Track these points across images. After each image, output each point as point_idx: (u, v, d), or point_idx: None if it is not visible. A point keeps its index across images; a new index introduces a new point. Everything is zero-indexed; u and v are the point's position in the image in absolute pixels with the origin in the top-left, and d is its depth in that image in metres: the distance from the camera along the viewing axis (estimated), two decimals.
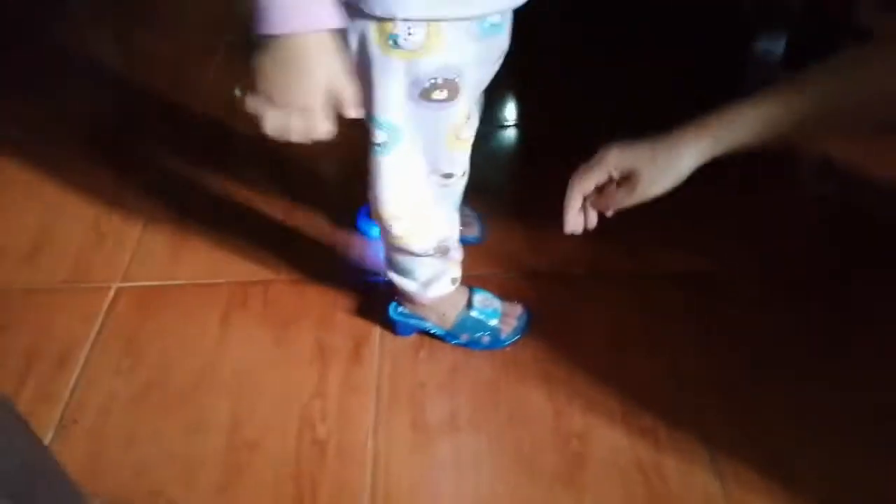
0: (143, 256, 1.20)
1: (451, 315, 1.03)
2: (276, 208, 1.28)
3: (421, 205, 0.88)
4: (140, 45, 1.77)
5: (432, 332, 1.04)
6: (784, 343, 1.04)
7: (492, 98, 0.98)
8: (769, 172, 1.29)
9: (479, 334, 1.03)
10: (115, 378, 1.03)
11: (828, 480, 0.88)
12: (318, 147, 1.37)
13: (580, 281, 1.14)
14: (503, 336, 1.04)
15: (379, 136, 0.80)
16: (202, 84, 1.60)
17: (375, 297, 1.10)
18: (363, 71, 0.74)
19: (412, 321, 1.04)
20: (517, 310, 1.07)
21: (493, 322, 1.03)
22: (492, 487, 0.90)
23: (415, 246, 0.92)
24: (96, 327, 1.09)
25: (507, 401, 0.99)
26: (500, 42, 0.81)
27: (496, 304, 1.05)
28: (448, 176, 0.87)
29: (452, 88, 0.77)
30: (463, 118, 0.82)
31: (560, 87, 1.53)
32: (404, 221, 0.89)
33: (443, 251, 0.95)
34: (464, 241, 1.02)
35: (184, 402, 1.00)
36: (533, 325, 1.06)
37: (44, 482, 0.77)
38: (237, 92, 0.70)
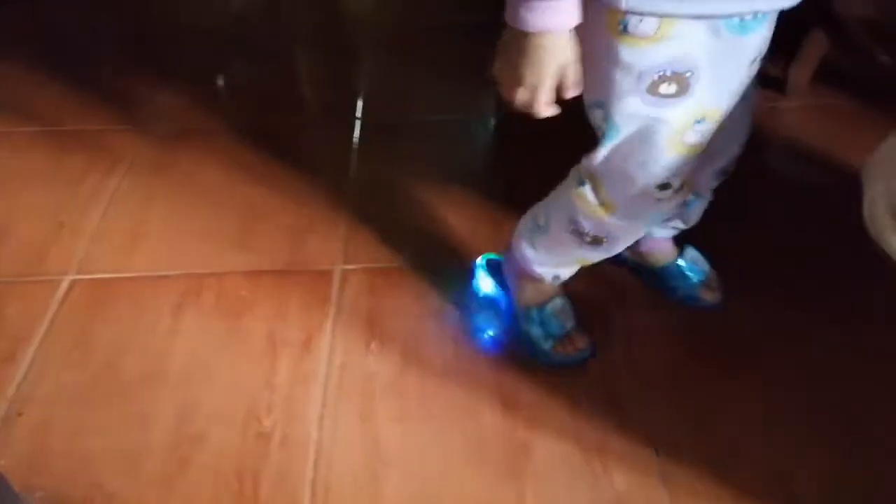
0: (99, 248, 1.19)
1: (527, 299, 1.01)
2: (234, 200, 1.27)
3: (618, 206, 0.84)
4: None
5: (500, 301, 1.04)
6: (736, 337, 1.03)
7: None
8: None
9: (531, 333, 1.01)
10: (64, 371, 1.02)
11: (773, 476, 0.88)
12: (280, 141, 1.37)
13: None
14: (552, 353, 1.00)
15: (595, 119, 0.79)
16: (170, 77, 1.60)
17: (328, 289, 1.09)
18: (591, 55, 0.72)
19: (492, 279, 1.05)
20: (582, 342, 1.01)
21: (552, 334, 1.00)
22: (436, 479, 0.89)
23: (586, 221, 0.87)
24: (48, 320, 1.08)
25: (458, 393, 0.97)
26: (754, 42, 0.76)
27: (569, 323, 1.01)
28: (664, 187, 0.82)
29: (682, 84, 0.74)
30: (690, 119, 0.77)
31: None
32: (596, 194, 0.85)
33: (595, 241, 0.89)
34: (700, 305, 1.06)
35: (132, 395, 0.99)
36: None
37: None
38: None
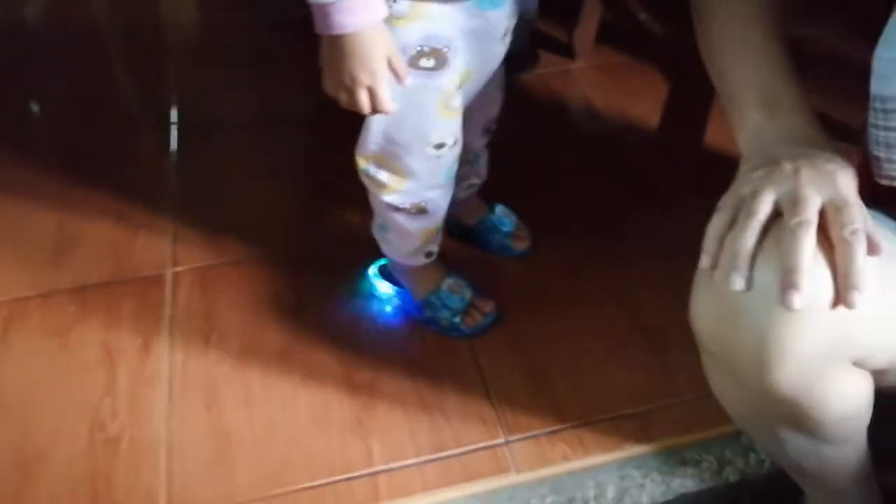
0: None
1: (421, 290, 1.05)
2: (44, 223, 1.24)
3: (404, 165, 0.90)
4: None
5: (401, 300, 1.08)
6: (546, 277, 1.15)
7: None
8: None
9: (437, 316, 1.05)
10: None
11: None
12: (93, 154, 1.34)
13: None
14: (462, 327, 1.05)
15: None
16: None
17: (160, 292, 1.11)
18: None
19: (386, 281, 1.09)
20: (487, 306, 1.07)
21: (456, 310, 1.05)
22: (286, 451, 0.94)
23: (392, 196, 0.93)
24: None
25: (300, 369, 1.02)
26: (501, 17, 0.83)
27: (467, 293, 1.06)
28: (439, 146, 0.89)
29: (440, 58, 0.80)
30: (453, 87, 0.84)
31: None
32: (383, 171, 0.91)
33: (419, 210, 0.95)
34: (512, 253, 1.14)
35: None
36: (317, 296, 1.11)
37: None
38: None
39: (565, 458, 0.93)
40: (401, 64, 0.76)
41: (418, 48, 0.79)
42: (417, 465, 0.92)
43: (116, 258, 1.18)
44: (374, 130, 0.87)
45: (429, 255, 1.04)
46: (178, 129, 1.45)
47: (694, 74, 1.10)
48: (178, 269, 1.16)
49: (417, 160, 0.90)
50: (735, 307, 0.55)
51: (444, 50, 0.81)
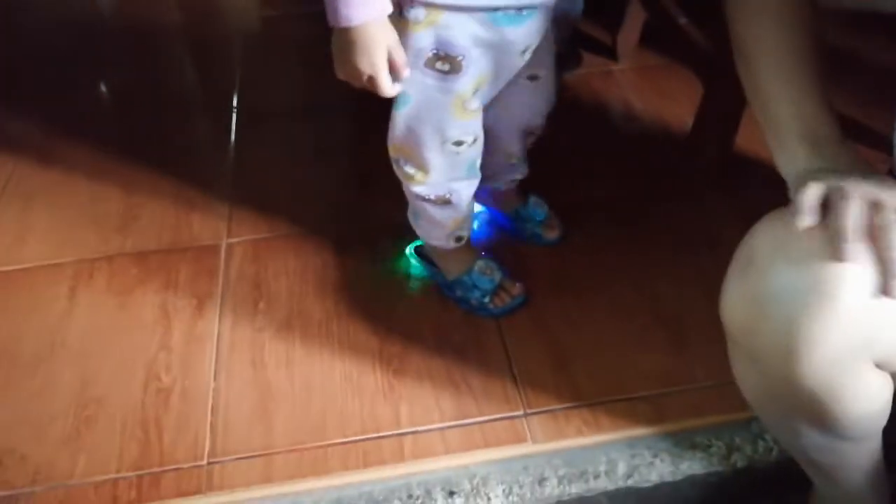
0: None
1: (453, 270, 1.13)
2: (117, 185, 1.35)
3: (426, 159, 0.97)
4: None
5: (435, 278, 1.15)
6: (573, 266, 1.20)
7: None
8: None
9: (468, 296, 1.12)
10: None
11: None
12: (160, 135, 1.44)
13: None
14: (491, 307, 1.12)
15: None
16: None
17: (215, 261, 1.20)
18: None
19: (422, 263, 1.16)
20: (516, 289, 1.13)
21: (486, 290, 1.11)
22: (321, 408, 1.01)
23: (418, 188, 1.01)
24: None
25: (338, 336, 1.10)
26: (520, 34, 0.87)
27: (497, 275, 1.12)
28: (458, 143, 0.96)
29: (454, 64, 0.86)
30: (468, 92, 0.90)
31: None
32: (409, 164, 0.99)
33: (444, 202, 1.02)
34: (543, 242, 1.21)
35: (34, 370, 1.07)
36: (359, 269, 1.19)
37: None
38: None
39: (580, 434, 0.98)
40: (400, 57, 0.82)
41: (433, 51, 0.85)
42: (441, 429, 0.99)
43: (176, 228, 1.28)
44: (398, 123, 0.94)
45: (458, 239, 1.10)
46: (237, 114, 1.55)
47: (727, 79, 1.17)
48: (232, 240, 1.25)
49: (436, 154, 0.96)
50: (768, 296, 0.58)
51: (459, 58, 0.86)
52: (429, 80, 0.88)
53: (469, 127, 0.96)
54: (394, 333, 1.10)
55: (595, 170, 1.37)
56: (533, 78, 1.02)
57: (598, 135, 1.46)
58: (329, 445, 0.97)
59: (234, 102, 1.58)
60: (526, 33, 0.89)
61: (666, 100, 1.52)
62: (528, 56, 0.93)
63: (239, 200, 1.33)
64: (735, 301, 0.62)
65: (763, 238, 0.61)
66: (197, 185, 1.36)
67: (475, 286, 1.12)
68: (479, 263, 1.13)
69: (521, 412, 1.00)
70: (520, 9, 0.85)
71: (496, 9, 0.84)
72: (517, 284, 1.14)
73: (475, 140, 0.98)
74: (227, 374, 1.05)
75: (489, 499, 0.95)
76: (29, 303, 1.16)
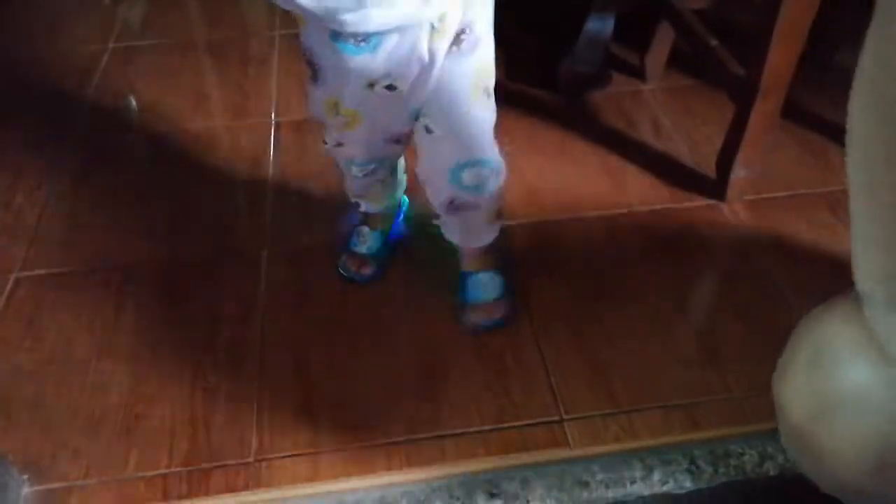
0: (40, 247, 1.30)
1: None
2: (163, 194, 1.40)
3: None
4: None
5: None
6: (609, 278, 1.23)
7: None
8: None
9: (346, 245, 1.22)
10: (20, 354, 1.12)
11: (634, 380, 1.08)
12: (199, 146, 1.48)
13: None
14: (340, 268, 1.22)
15: None
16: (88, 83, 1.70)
17: (256, 270, 1.24)
18: None
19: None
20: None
21: (346, 250, 1.22)
22: (365, 409, 1.04)
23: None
24: None
25: (377, 340, 1.13)
26: (361, 63, 0.81)
27: (363, 247, 1.21)
28: (338, 144, 1.01)
29: (314, 69, 0.88)
30: (329, 101, 0.91)
31: None
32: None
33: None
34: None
35: (86, 368, 1.10)
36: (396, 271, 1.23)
37: None
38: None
39: (617, 440, 1.01)
40: None
41: (305, 50, 0.87)
42: (481, 432, 1.02)
43: (219, 238, 1.32)
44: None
45: (357, 205, 1.21)
46: (275, 128, 1.59)
47: (757, 101, 1.21)
48: (272, 249, 1.29)
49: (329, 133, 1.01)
50: (845, 397, 0.56)
51: (316, 66, 0.86)
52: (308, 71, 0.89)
53: (344, 137, 0.98)
54: (432, 340, 1.13)
55: (628, 185, 1.40)
56: (429, 130, 0.95)
57: (628, 149, 1.49)
58: (373, 446, 1.00)
59: (273, 115, 1.62)
60: (366, 64, 0.82)
61: (695, 120, 1.56)
62: (386, 91, 0.86)
63: (279, 210, 1.37)
64: (800, 391, 0.61)
65: (836, 332, 0.59)
66: (239, 196, 1.41)
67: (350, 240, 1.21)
68: (362, 229, 1.21)
69: (558, 417, 1.03)
70: (358, 38, 0.79)
71: (338, 34, 0.79)
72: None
73: (353, 148, 1.00)
74: (271, 376, 1.09)
75: (528, 501, 0.97)
76: (79, 304, 1.20)
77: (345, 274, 1.21)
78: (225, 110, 1.67)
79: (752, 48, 1.21)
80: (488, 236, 1.13)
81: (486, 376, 1.08)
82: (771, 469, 1.01)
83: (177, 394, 1.07)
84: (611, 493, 0.99)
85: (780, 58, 1.16)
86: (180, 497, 0.96)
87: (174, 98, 1.67)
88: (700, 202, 1.35)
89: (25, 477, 0.98)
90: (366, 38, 0.79)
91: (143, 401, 1.06)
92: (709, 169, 1.39)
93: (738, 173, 1.31)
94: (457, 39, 0.84)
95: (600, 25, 1.60)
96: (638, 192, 1.38)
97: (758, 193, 1.34)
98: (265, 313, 1.17)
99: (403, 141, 1.01)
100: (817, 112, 1.51)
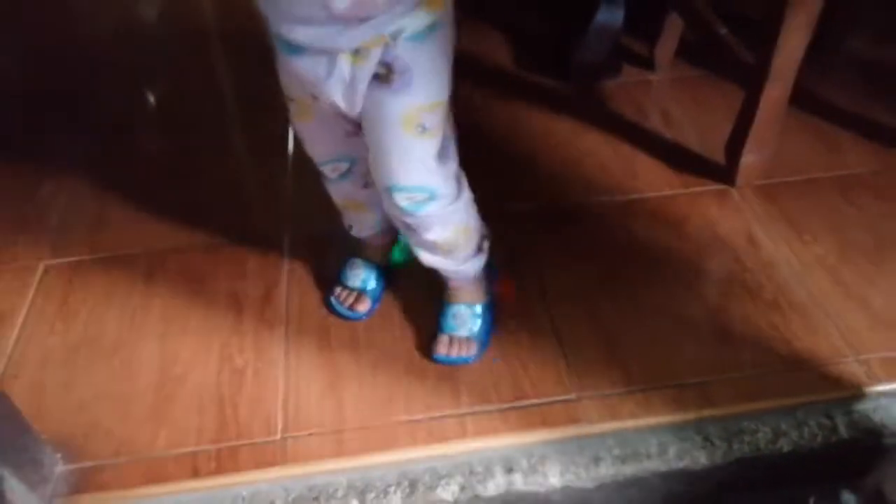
0: (68, 234, 1.33)
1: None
2: (184, 182, 1.43)
3: None
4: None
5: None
6: (623, 259, 1.26)
7: None
8: None
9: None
10: (51, 338, 1.16)
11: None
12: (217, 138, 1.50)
13: None
14: (332, 299, 1.18)
15: None
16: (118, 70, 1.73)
17: (279, 253, 1.27)
18: None
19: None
20: (362, 306, 1.16)
21: (339, 283, 1.19)
22: (387, 388, 1.07)
23: None
24: (28, 299, 1.22)
25: (398, 322, 1.16)
26: (294, 66, 0.85)
27: (356, 282, 1.18)
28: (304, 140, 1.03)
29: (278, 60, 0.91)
30: (285, 84, 0.93)
31: None
32: None
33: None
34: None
35: (115, 351, 1.14)
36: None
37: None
38: None
39: (632, 416, 1.04)
40: None
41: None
42: (500, 410, 1.04)
43: (242, 222, 1.35)
44: None
45: (350, 227, 1.17)
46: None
47: (766, 89, 1.23)
48: (295, 234, 1.32)
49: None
50: None
51: (276, 47, 0.88)
52: None
53: (303, 130, 0.99)
54: None
55: (638, 172, 1.43)
56: (367, 146, 0.95)
57: (638, 138, 1.52)
58: (396, 423, 1.03)
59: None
60: (304, 70, 0.86)
61: (703, 108, 1.58)
62: (321, 96, 0.89)
63: (300, 198, 1.40)
64: None
65: None
66: (260, 184, 1.45)
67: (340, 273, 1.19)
68: (355, 261, 1.18)
69: (574, 395, 1.06)
70: (290, 44, 0.84)
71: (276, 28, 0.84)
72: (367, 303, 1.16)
73: (316, 144, 1.02)
74: (296, 356, 1.12)
75: (546, 476, 1.00)
76: (107, 289, 1.23)
77: (337, 309, 1.17)
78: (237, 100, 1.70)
79: (761, 34, 1.23)
80: (463, 267, 1.08)
81: (504, 354, 1.11)
82: (785, 446, 1.03)
83: (204, 374, 1.10)
84: (627, 469, 1.01)
85: (791, 43, 1.18)
86: (209, 474, 0.99)
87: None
88: (710, 187, 1.38)
89: (59, 455, 1.01)
90: (297, 47, 0.84)
91: (171, 381, 1.09)
92: (718, 156, 1.41)
93: (748, 158, 1.34)
94: (386, 77, 0.85)
95: (610, 16, 1.62)
96: (649, 179, 1.41)
97: (767, 178, 1.37)
98: (290, 294, 1.21)
99: None
100: (826, 98, 1.53)
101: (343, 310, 1.16)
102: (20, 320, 1.19)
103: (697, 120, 1.55)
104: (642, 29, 1.70)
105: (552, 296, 1.19)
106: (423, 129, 0.88)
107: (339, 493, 0.99)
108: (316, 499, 0.99)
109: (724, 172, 1.38)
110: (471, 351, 1.10)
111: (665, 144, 1.50)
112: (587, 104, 1.60)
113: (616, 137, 1.51)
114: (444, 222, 0.99)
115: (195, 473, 0.99)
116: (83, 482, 0.99)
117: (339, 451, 1.00)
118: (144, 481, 0.99)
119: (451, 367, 1.09)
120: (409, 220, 0.98)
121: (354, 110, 0.88)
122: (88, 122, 1.61)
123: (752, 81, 1.28)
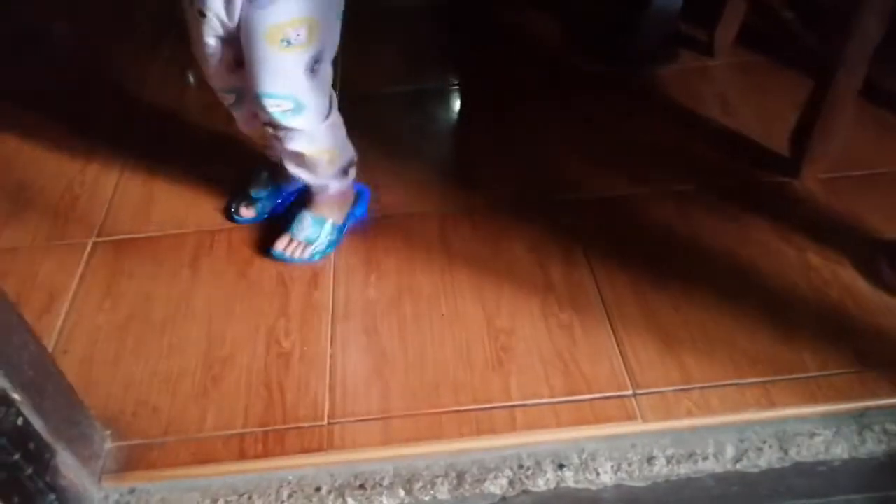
0: (116, 213, 1.33)
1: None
2: (232, 163, 1.41)
3: None
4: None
5: None
6: (678, 255, 1.22)
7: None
8: None
9: None
10: (99, 315, 1.16)
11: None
12: None
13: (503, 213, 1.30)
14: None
15: None
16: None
17: None
18: None
19: None
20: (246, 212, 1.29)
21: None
22: (434, 375, 1.05)
23: None
24: (77, 276, 1.22)
25: (446, 310, 1.14)
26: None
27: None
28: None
29: None
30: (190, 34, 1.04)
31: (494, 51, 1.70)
32: None
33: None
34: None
35: (163, 329, 1.13)
36: (464, 248, 1.23)
37: (51, 384, 0.90)
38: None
39: (689, 415, 1.00)
40: None
41: None
42: (551, 404, 1.02)
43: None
44: None
45: None
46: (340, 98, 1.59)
47: (836, 77, 1.17)
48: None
49: None
50: None
51: None
52: None
53: (196, 50, 1.07)
54: (501, 310, 1.13)
55: (696, 161, 1.38)
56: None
57: (697, 127, 1.47)
58: (443, 413, 1.01)
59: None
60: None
61: (764, 96, 1.52)
62: (198, 14, 0.99)
63: None
64: None
65: None
66: None
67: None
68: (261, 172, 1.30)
69: (630, 392, 1.03)
70: None
71: None
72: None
73: (207, 69, 1.09)
74: (342, 341, 1.10)
75: (598, 474, 0.98)
76: (155, 268, 1.23)
77: (231, 210, 1.30)
78: None
79: (833, 20, 1.17)
80: (323, 183, 1.19)
81: (556, 347, 1.08)
82: (843, 451, 0.99)
83: (251, 356, 1.09)
84: (682, 469, 0.98)
85: (867, 30, 1.12)
86: (256, 457, 0.98)
87: None
88: (772, 178, 1.32)
89: (108, 432, 1.01)
90: None
91: (218, 362, 1.09)
92: (780, 146, 1.36)
93: (815, 150, 1.28)
94: None
95: (668, 1, 1.57)
96: (707, 168, 1.36)
97: (834, 172, 1.31)
98: (336, 278, 1.19)
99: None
100: (894, 91, 1.46)
101: (231, 212, 1.30)
102: (69, 297, 1.19)
103: (759, 108, 1.49)
104: (701, 13, 1.64)
105: (605, 288, 1.15)
106: (289, 44, 0.99)
107: (385, 482, 0.98)
108: (362, 486, 0.97)
109: (787, 164, 1.33)
110: (304, 254, 1.21)
111: (724, 133, 1.44)
112: (642, 91, 1.55)
113: (672, 125, 1.46)
114: (309, 138, 1.11)
115: (242, 455, 0.99)
116: (132, 459, 0.99)
117: (386, 439, 0.99)
118: (193, 461, 0.98)
119: (498, 358, 1.07)
120: (277, 131, 1.09)
121: (233, 21, 0.99)
122: (136, 104, 1.61)
123: (823, 69, 1.23)
